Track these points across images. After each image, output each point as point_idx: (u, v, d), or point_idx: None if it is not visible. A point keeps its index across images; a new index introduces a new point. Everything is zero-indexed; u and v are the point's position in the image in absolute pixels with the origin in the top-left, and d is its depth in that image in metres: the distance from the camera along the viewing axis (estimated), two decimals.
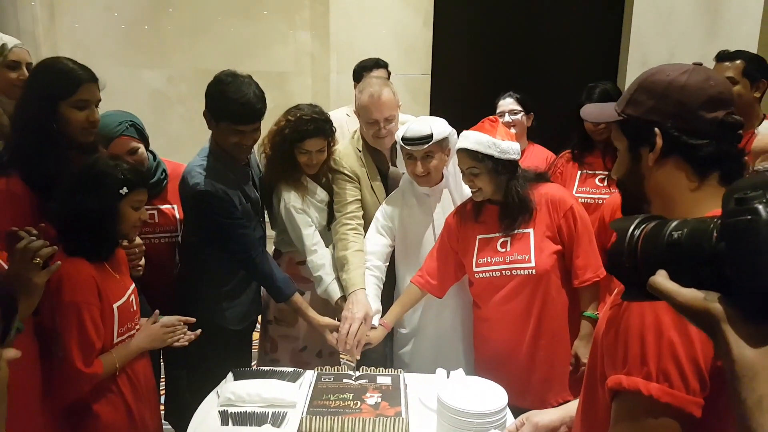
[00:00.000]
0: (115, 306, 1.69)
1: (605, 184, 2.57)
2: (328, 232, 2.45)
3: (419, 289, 2.23)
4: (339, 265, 2.31)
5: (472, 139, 2.01)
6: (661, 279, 0.68)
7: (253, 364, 3.50)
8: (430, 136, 2.12)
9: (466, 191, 2.29)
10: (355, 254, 2.27)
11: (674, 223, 0.71)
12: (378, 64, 3.38)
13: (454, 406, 1.57)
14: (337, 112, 3.35)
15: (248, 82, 2.06)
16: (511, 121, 2.89)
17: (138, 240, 2.04)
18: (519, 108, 2.93)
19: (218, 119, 2.07)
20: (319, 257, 2.33)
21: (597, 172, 2.62)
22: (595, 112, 1.23)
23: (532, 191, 2.07)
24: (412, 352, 2.39)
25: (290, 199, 2.32)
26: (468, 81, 4.50)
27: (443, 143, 2.18)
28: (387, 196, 2.45)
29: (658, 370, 0.87)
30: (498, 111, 2.96)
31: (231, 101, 2.00)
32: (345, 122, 3.24)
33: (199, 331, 1.93)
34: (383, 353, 2.66)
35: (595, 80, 2.71)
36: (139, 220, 1.79)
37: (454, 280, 2.23)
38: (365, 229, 2.41)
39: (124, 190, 1.71)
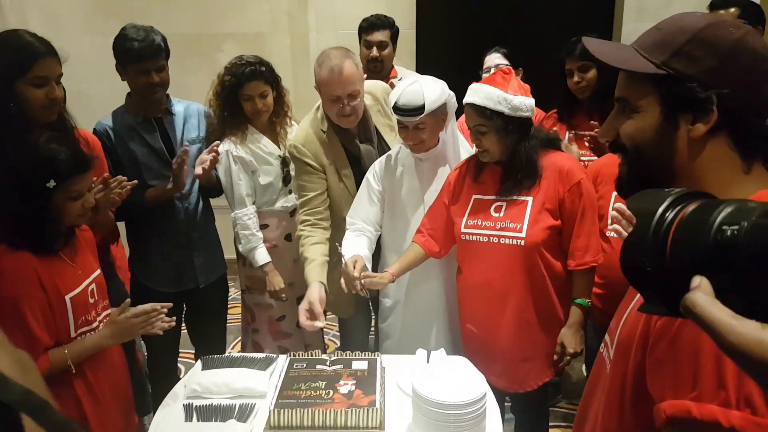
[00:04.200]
0: (67, 297, 1.58)
1: (594, 145, 2.42)
2: (284, 187, 2.44)
3: (422, 248, 2.08)
4: (301, 263, 2.20)
5: (481, 93, 1.83)
6: (704, 299, 0.47)
7: (235, 341, 3.45)
8: (422, 108, 1.94)
9: (464, 158, 2.14)
10: (311, 248, 2.14)
11: (726, 211, 0.48)
12: (374, 25, 3.01)
13: (428, 397, 1.47)
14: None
15: (148, 28, 2.20)
16: None
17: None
18: (505, 62, 2.75)
19: (125, 63, 2.19)
20: (244, 213, 2.37)
21: (585, 133, 2.46)
22: (611, 53, 0.95)
23: (541, 158, 1.90)
24: (396, 324, 2.28)
25: (228, 146, 2.34)
26: (456, 35, 4.27)
27: (438, 112, 2.00)
28: (361, 179, 2.24)
29: (739, 395, 0.72)
30: (484, 67, 2.80)
31: (130, 41, 2.15)
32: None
33: (174, 318, 1.79)
34: (367, 339, 2.58)
35: (589, 30, 2.51)
36: (83, 209, 1.62)
37: (453, 240, 2.07)
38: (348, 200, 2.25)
39: (52, 183, 1.51)
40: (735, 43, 0.82)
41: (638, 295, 0.94)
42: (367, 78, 2.85)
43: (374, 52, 2.98)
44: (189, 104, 2.43)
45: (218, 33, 4.14)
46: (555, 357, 1.97)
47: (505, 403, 2.25)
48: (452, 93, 2.07)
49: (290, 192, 2.46)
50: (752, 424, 0.71)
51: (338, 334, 3.60)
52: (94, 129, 2.24)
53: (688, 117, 0.85)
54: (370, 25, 3.03)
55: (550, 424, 2.36)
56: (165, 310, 1.75)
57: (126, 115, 2.29)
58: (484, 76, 2.73)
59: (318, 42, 4.08)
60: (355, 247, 2.08)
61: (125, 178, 1.93)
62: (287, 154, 2.39)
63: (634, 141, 0.91)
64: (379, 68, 3.00)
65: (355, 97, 2.11)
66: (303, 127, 2.28)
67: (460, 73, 2.72)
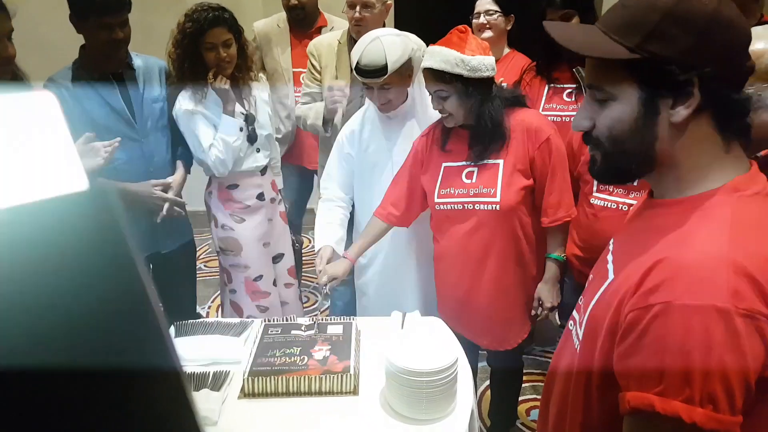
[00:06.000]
0: None
1: (573, 99, 2.36)
2: (251, 146, 2.35)
3: (383, 222, 2.08)
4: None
5: (438, 57, 1.77)
6: None
7: (211, 300, 3.45)
8: (384, 69, 1.88)
9: (433, 113, 2.09)
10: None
11: None
12: None
13: (399, 365, 1.48)
14: (267, 22, 3.01)
15: None
16: (486, 22, 2.64)
17: None
18: (495, 8, 2.64)
19: (84, 16, 2.01)
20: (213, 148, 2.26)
21: (565, 86, 2.40)
22: (578, 38, 0.89)
23: (507, 117, 1.85)
24: (371, 282, 2.30)
25: (185, 100, 2.21)
26: None
27: (402, 70, 1.94)
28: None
29: (702, 393, 0.73)
30: (475, 11, 2.70)
31: None
32: (276, 33, 2.95)
33: None
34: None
35: None
36: None
37: (421, 208, 2.07)
38: None
39: None
40: (710, 16, 0.77)
41: (609, 278, 0.93)
42: (293, 28, 2.91)
43: (292, 0, 2.84)
44: (147, 59, 2.28)
45: None
46: (533, 312, 2.00)
47: (480, 351, 2.30)
48: (417, 46, 2.01)
49: (258, 151, 2.38)
50: (714, 420, 0.73)
51: (317, 286, 3.63)
52: (45, 86, 2.08)
53: (668, 101, 0.81)
54: None
55: (524, 371, 2.42)
56: None
57: (80, 71, 2.11)
58: (475, 21, 2.65)
59: None
60: (327, 230, 2.09)
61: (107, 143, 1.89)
62: (252, 112, 2.32)
63: (611, 131, 0.86)
64: (302, 15, 2.88)
65: (368, 7, 2.34)
66: (331, 34, 2.61)
67: (443, 20, 2.60)
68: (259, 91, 2.41)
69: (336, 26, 2.92)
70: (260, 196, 2.43)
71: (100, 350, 0.28)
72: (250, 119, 2.32)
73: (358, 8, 2.33)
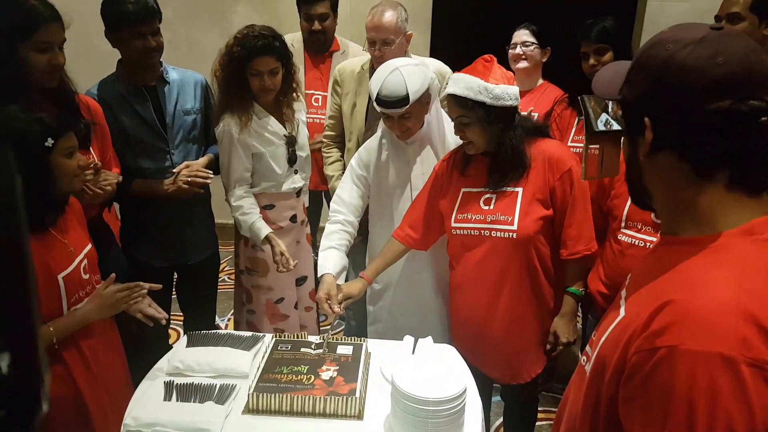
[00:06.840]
0: (59, 277, 1.56)
1: None
2: (290, 168, 2.35)
3: (401, 243, 2.06)
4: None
5: (462, 83, 1.78)
6: None
7: (230, 313, 3.47)
8: (406, 99, 1.89)
9: (450, 139, 2.09)
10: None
11: None
12: None
13: (406, 391, 1.44)
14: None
15: None
16: (522, 53, 2.66)
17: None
18: (533, 40, 2.66)
19: (117, 28, 2.07)
20: (237, 197, 2.28)
21: None
22: (605, 79, 0.98)
23: (529, 146, 1.84)
24: (384, 308, 2.26)
25: (230, 125, 2.21)
26: (476, 5, 4.12)
27: (422, 98, 1.95)
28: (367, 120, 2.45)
29: None
30: (512, 42, 2.72)
31: (123, 3, 2.03)
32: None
33: (166, 316, 1.80)
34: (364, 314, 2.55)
35: (614, 9, 2.39)
36: (78, 168, 1.62)
37: (439, 232, 2.05)
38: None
39: (50, 141, 1.52)
40: (663, 62, 0.82)
41: (621, 314, 0.90)
42: (308, 50, 2.96)
43: (316, 25, 2.88)
44: (185, 72, 2.32)
45: None
46: (548, 346, 1.95)
47: (494, 384, 2.25)
48: (435, 74, 2.04)
49: (296, 172, 2.38)
50: None
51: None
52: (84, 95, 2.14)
53: (641, 138, 0.86)
54: None
55: (543, 408, 2.34)
56: (147, 287, 1.72)
57: (116, 83, 2.17)
58: (511, 51, 2.66)
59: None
60: (330, 256, 2.04)
61: (114, 175, 1.94)
62: (293, 134, 2.34)
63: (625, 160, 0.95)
64: (322, 40, 2.94)
65: (388, 44, 2.37)
66: (357, 59, 2.65)
67: (478, 48, 2.61)
68: (300, 113, 2.41)
69: (348, 50, 2.99)
70: (293, 218, 2.42)
71: None
72: (291, 141, 2.32)
73: (378, 45, 2.37)
